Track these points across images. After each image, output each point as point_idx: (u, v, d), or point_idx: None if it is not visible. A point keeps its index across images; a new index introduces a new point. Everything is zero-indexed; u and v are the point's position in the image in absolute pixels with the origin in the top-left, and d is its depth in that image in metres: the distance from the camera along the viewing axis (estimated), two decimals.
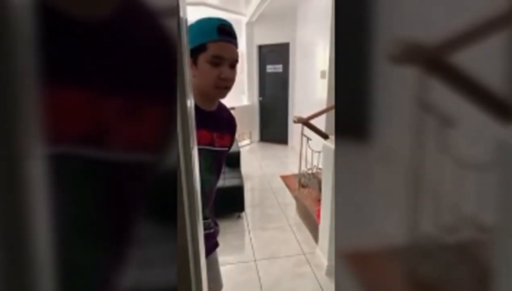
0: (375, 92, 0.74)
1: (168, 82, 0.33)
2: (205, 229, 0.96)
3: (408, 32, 0.66)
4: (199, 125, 0.86)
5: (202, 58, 0.82)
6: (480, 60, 0.64)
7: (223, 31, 0.83)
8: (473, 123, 0.67)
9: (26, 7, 0.26)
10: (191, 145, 0.35)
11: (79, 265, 0.33)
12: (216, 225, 1.04)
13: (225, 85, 0.84)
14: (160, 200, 0.35)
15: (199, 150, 0.86)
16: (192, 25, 0.85)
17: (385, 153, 0.74)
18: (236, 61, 0.86)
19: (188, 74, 0.36)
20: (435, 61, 0.65)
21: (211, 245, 1.02)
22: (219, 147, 0.93)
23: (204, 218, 0.96)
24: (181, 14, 0.34)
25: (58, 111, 0.30)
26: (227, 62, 0.83)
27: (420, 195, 0.71)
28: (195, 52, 0.82)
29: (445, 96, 0.66)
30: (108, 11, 0.32)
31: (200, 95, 0.87)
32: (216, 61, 0.82)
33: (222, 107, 0.98)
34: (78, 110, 0.31)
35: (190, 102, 0.36)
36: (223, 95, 0.87)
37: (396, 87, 0.72)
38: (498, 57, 0.62)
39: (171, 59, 0.33)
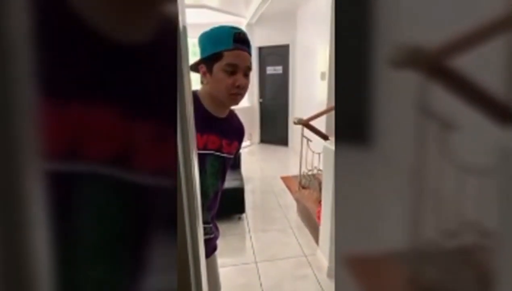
0: (375, 96, 0.74)
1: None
2: (206, 234, 0.97)
3: (409, 37, 0.66)
4: (209, 131, 0.88)
5: (217, 66, 0.83)
6: (481, 65, 0.64)
7: (239, 40, 0.83)
8: (474, 128, 0.67)
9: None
10: (191, 150, 0.35)
11: (90, 282, 0.33)
12: (217, 229, 1.05)
13: (239, 92, 0.85)
14: (161, 209, 0.35)
15: (206, 154, 0.89)
16: (206, 34, 0.86)
17: (385, 157, 0.74)
18: (250, 69, 0.87)
19: (188, 81, 0.36)
20: (436, 65, 0.65)
21: (211, 249, 1.03)
22: (227, 153, 0.94)
23: (206, 223, 0.97)
24: (180, 21, 0.35)
25: (91, 130, 0.31)
26: (242, 71, 0.84)
27: (421, 199, 0.71)
28: (210, 61, 0.83)
29: (446, 101, 0.66)
30: (144, 35, 0.32)
31: (213, 102, 0.88)
32: (231, 70, 0.82)
33: (233, 114, 0.99)
34: (109, 130, 0.32)
35: (190, 108, 0.36)
36: (236, 103, 0.88)
37: (396, 91, 0.72)
38: (499, 61, 0.62)
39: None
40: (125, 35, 0.31)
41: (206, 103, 0.88)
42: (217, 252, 1.09)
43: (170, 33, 0.33)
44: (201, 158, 0.86)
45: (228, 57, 0.82)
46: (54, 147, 0.29)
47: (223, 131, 0.92)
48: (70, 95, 0.29)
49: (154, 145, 0.34)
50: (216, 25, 0.88)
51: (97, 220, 0.32)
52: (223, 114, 0.92)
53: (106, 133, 0.31)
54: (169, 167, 0.34)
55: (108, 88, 0.32)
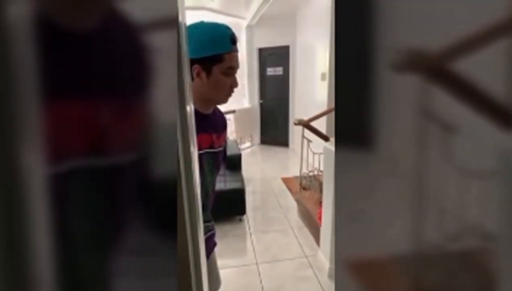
0: (376, 98, 0.74)
1: (146, 85, 0.35)
2: (208, 231, 0.98)
3: (410, 40, 0.66)
4: (200, 130, 0.89)
5: (218, 69, 0.83)
6: (483, 68, 0.64)
7: (234, 41, 0.85)
8: (476, 131, 0.67)
9: (22, 22, 0.26)
10: (191, 150, 0.36)
11: (86, 274, 0.33)
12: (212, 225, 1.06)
13: (233, 92, 0.89)
14: (160, 210, 0.35)
15: (202, 154, 0.89)
16: (200, 32, 0.84)
17: (386, 160, 0.74)
18: (239, 67, 0.90)
19: (188, 80, 0.36)
20: (437, 69, 0.65)
21: (212, 246, 1.04)
22: (218, 147, 0.96)
23: (208, 221, 0.98)
24: (180, 20, 0.35)
25: (62, 126, 0.30)
26: (235, 71, 0.87)
27: (423, 202, 0.70)
28: (208, 62, 0.82)
29: (448, 104, 0.66)
30: (94, 21, 0.32)
31: (204, 100, 0.89)
32: (230, 72, 0.85)
33: (215, 108, 1.00)
34: (78, 121, 0.31)
35: (190, 108, 0.36)
36: (228, 101, 0.91)
37: (397, 93, 0.72)
38: (500, 65, 0.62)
39: (147, 64, 0.35)
40: (74, 23, 0.31)
41: (195, 102, 0.87)
42: (217, 251, 1.10)
43: (120, 21, 0.34)
44: (198, 158, 0.87)
45: (229, 60, 0.83)
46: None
47: (212, 126, 0.94)
48: (40, 93, 0.29)
49: (118, 124, 0.34)
50: (205, 21, 0.86)
51: (89, 213, 0.33)
52: (210, 111, 0.94)
53: (81, 124, 0.32)
54: (137, 140, 0.35)
55: (71, 79, 0.31)
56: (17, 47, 0.25)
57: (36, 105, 0.28)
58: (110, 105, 0.33)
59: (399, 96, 0.72)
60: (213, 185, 0.98)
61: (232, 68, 0.85)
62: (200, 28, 0.84)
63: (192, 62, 0.83)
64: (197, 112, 0.87)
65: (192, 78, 0.85)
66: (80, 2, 0.31)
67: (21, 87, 0.26)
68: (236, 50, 0.86)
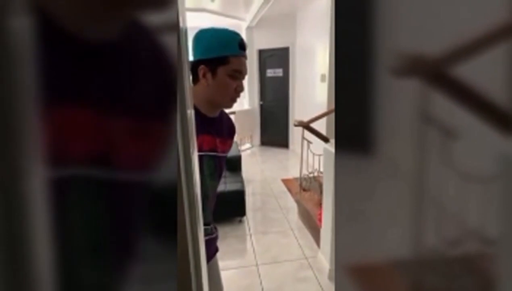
0: (376, 102, 0.74)
1: (167, 101, 0.34)
2: (208, 234, 0.97)
3: (410, 43, 0.66)
4: (203, 131, 0.89)
5: (223, 70, 0.84)
6: (482, 73, 0.64)
7: (243, 47, 0.87)
8: (476, 136, 0.67)
9: (29, 29, 0.26)
10: (191, 152, 0.36)
11: (84, 285, 0.33)
12: (216, 229, 1.05)
13: (238, 96, 0.89)
14: (160, 213, 0.35)
15: (202, 156, 0.89)
16: (210, 35, 0.86)
17: (386, 163, 0.74)
18: (246, 74, 0.91)
19: (188, 83, 0.36)
20: (437, 73, 0.65)
21: (213, 251, 1.02)
22: (221, 152, 0.95)
23: (208, 224, 0.97)
24: (181, 24, 0.35)
25: (66, 132, 0.30)
26: (243, 76, 0.88)
27: (423, 207, 0.70)
28: (214, 63, 0.84)
29: (448, 109, 0.66)
30: (114, 33, 0.32)
31: (207, 103, 0.89)
32: (236, 75, 0.86)
33: (222, 112, 1.00)
34: (85, 131, 0.31)
35: (190, 111, 0.36)
36: (232, 106, 0.92)
37: (397, 98, 0.72)
38: (500, 69, 0.62)
39: (171, 79, 0.34)
40: (94, 34, 0.31)
41: (199, 104, 0.89)
42: (218, 253, 1.09)
43: (142, 32, 0.34)
44: (198, 160, 0.86)
45: (235, 63, 0.85)
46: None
47: (216, 130, 0.93)
48: (47, 99, 0.28)
49: (131, 140, 0.34)
50: (216, 27, 0.89)
51: (87, 223, 0.32)
52: (215, 114, 0.93)
53: (87, 134, 0.31)
54: (150, 160, 0.34)
55: (83, 88, 0.31)
56: (27, 54, 0.25)
57: (45, 111, 0.28)
58: (122, 118, 0.33)
59: (399, 99, 0.72)
60: (215, 189, 0.96)
61: (239, 72, 0.86)
62: (211, 32, 0.87)
63: (199, 63, 0.85)
64: (200, 114, 0.88)
65: (199, 79, 0.87)
66: (98, 13, 0.31)
67: (28, 93, 0.26)
68: (243, 56, 0.87)
